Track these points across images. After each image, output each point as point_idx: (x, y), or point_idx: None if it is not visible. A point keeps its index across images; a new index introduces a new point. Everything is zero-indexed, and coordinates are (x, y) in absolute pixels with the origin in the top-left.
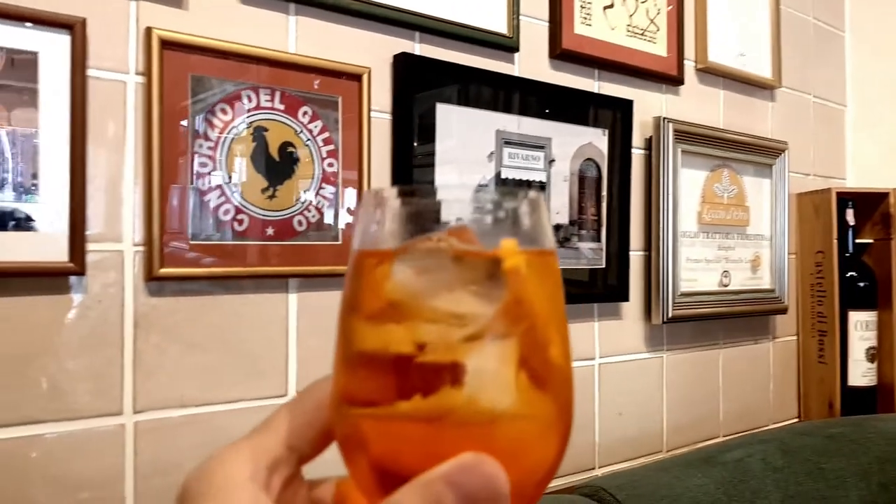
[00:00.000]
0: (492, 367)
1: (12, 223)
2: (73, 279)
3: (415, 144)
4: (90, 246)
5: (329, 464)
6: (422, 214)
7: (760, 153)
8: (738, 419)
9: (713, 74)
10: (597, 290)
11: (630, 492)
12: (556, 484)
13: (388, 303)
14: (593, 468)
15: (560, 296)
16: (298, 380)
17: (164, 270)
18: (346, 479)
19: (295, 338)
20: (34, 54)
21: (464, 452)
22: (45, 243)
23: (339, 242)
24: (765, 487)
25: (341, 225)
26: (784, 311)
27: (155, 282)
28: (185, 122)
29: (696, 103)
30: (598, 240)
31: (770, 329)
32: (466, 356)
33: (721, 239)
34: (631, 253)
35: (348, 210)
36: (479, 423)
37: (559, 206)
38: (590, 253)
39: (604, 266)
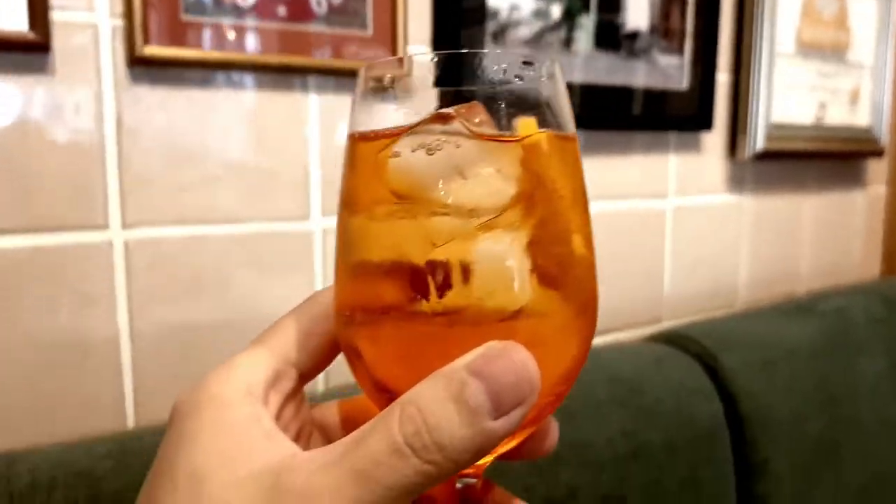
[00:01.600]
0: (508, 260)
1: None
2: (35, 58)
3: None
4: (55, 15)
5: None
6: (424, 90)
7: None
8: (821, 275)
9: None
10: (675, 114)
11: (717, 339)
12: (620, 336)
13: (391, 196)
14: (660, 321)
15: (582, 185)
16: (323, 200)
17: (150, 50)
18: (349, 398)
19: (317, 148)
20: None
21: (488, 342)
22: None
23: (370, 33)
24: (869, 338)
25: (370, 11)
26: (880, 153)
27: (140, 67)
28: None
29: None
30: (681, 53)
31: (861, 175)
32: (480, 250)
33: (819, 64)
34: (717, 74)
35: None
36: (496, 320)
37: (638, 8)
38: (670, 69)
39: (686, 87)
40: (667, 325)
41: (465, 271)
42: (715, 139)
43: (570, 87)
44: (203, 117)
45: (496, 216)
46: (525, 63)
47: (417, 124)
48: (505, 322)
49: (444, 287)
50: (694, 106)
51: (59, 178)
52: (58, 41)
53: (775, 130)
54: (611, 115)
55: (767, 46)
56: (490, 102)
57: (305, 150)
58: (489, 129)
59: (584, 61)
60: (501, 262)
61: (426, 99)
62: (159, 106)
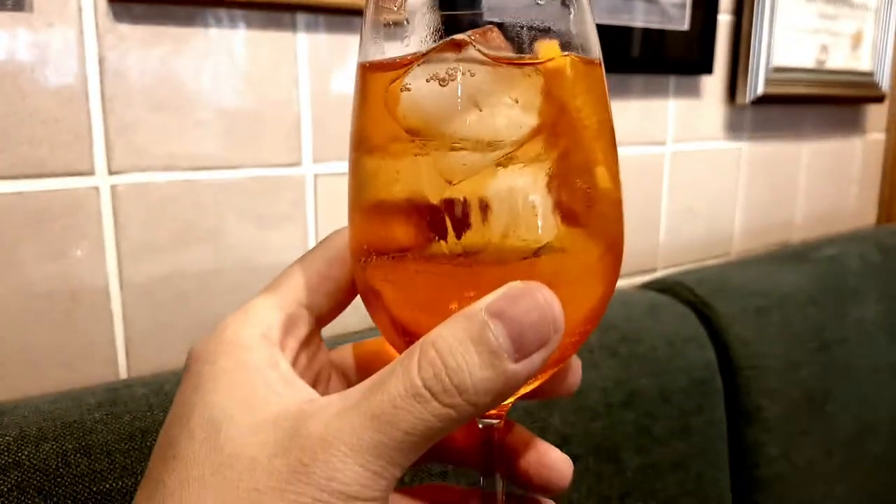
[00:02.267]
0: (529, 195)
1: None
2: None
3: None
4: None
5: None
6: (435, 16)
7: None
8: (816, 223)
9: None
10: (675, 57)
11: (711, 286)
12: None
13: (405, 131)
14: (654, 269)
15: (609, 114)
16: (314, 146)
17: None
18: (365, 341)
19: (308, 91)
20: None
21: (510, 282)
22: None
23: None
24: (863, 285)
25: None
26: (881, 98)
27: (121, 3)
28: None
29: None
30: None
31: (860, 122)
32: (499, 186)
33: (822, 5)
34: (719, 16)
35: None
36: (518, 258)
37: None
38: (672, 9)
39: (687, 28)
40: (661, 273)
41: (484, 209)
42: (714, 83)
43: None
44: (189, 58)
45: (516, 149)
46: None
47: (428, 53)
48: (527, 261)
49: (462, 226)
50: (695, 48)
51: (42, 121)
52: None
53: (776, 74)
54: (608, 56)
55: None
56: (508, 27)
57: (295, 93)
58: (507, 54)
59: None
60: (522, 197)
61: (438, 26)
62: (143, 45)
